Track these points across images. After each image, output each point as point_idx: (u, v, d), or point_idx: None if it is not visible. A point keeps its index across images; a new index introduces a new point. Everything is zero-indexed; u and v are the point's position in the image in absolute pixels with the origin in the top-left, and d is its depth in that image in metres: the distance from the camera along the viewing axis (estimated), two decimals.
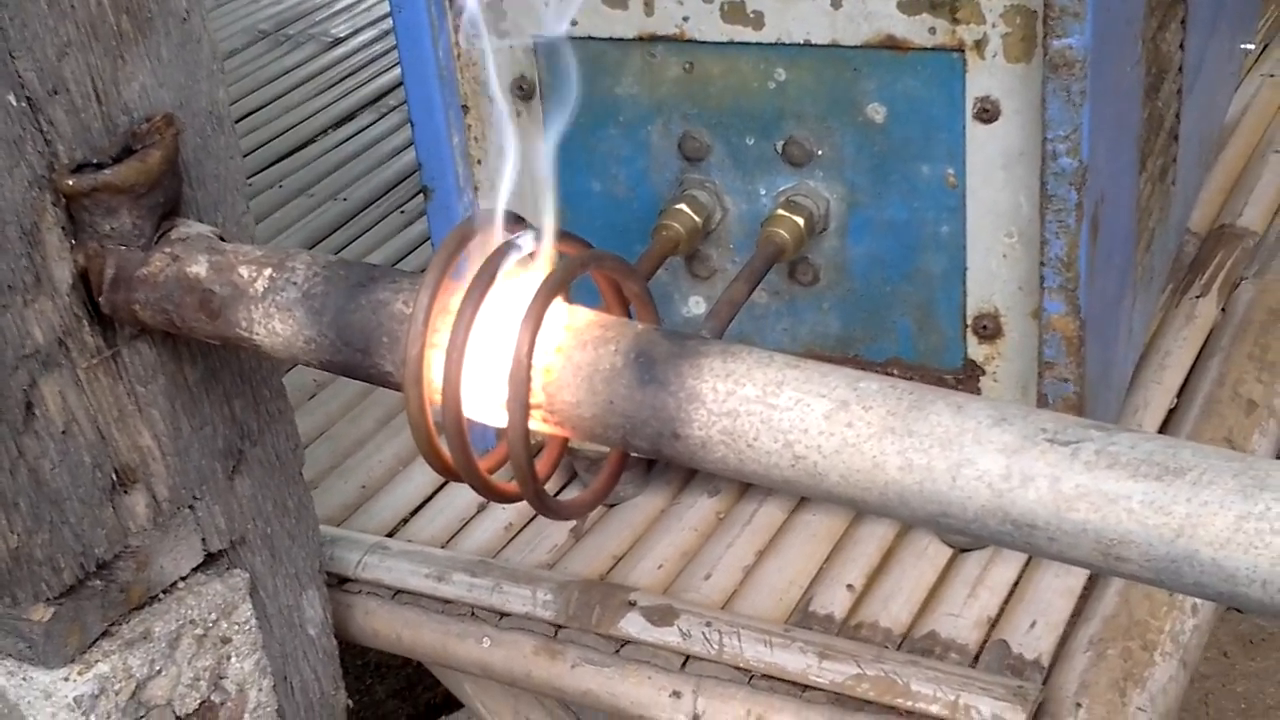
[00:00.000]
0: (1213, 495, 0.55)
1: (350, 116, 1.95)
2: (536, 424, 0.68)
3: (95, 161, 0.80)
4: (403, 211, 1.69)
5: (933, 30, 0.91)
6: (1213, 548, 0.55)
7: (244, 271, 0.77)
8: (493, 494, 0.70)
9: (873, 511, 0.63)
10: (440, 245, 0.69)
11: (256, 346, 0.77)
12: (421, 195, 1.10)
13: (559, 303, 0.67)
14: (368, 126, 1.91)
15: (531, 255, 0.68)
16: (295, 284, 0.75)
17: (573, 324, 0.68)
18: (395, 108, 1.94)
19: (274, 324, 0.75)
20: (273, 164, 1.84)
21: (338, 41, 2.17)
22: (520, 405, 0.65)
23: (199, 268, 0.78)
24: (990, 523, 0.59)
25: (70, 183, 0.78)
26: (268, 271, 0.77)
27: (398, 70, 2.00)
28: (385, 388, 0.75)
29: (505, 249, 0.68)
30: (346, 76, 2.06)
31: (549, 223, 0.68)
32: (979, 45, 0.91)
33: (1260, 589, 0.54)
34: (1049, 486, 0.57)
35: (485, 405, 0.68)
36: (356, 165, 1.82)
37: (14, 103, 0.76)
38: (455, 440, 0.67)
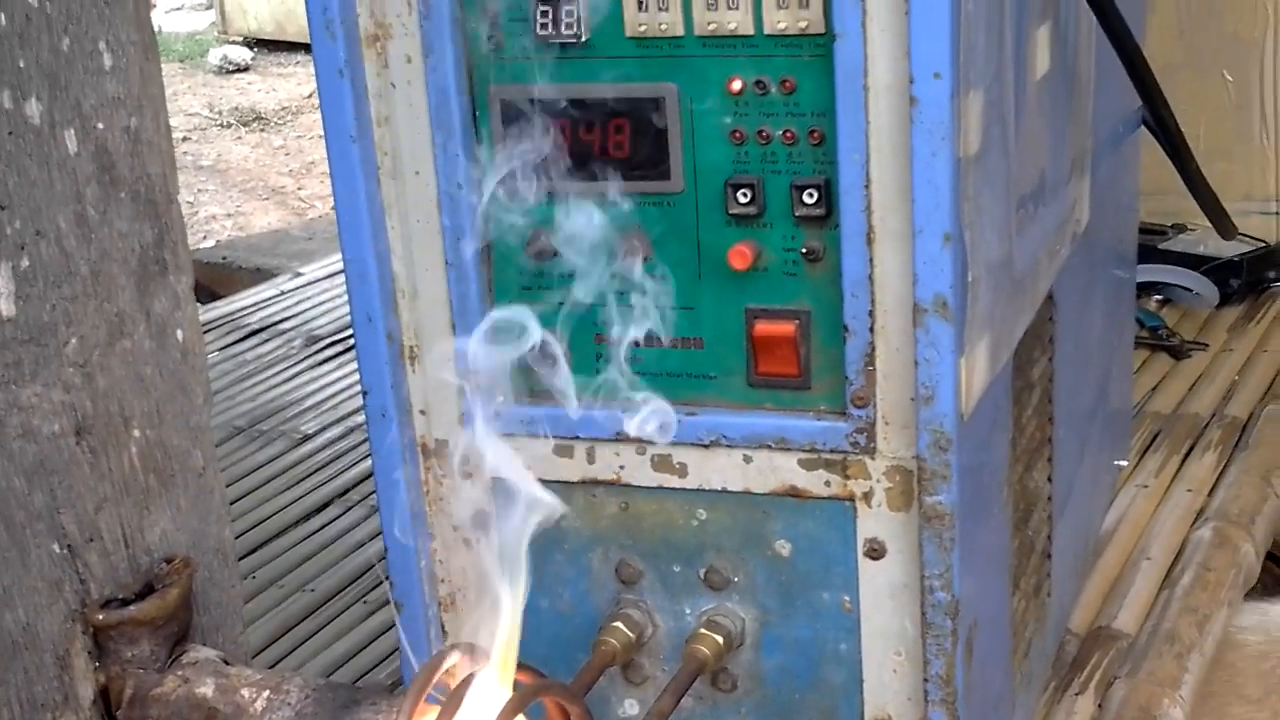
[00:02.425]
0: None
1: (318, 510, 2.05)
2: None
3: (121, 597, 0.93)
4: (365, 602, 1.78)
5: (828, 483, 1.07)
6: None
7: (245, 693, 0.91)
8: None
9: None
10: (415, 675, 0.83)
11: None
12: (384, 585, 1.23)
13: None
14: (335, 519, 2.00)
15: (490, 685, 0.83)
16: (289, 704, 0.89)
17: None
18: (359, 501, 2.04)
19: None
20: (246, 555, 1.91)
21: (306, 438, 2.28)
22: None
23: (206, 689, 0.92)
24: None
25: (100, 618, 0.91)
26: (266, 693, 0.91)
27: (362, 465, 2.16)
28: None
29: (468, 681, 0.83)
30: (315, 471, 2.16)
31: (508, 655, 0.84)
32: (866, 496, 1.06)
33: None
34: None
35: None
36: (324, 557, 1.90)
37: (57, 550, 0.90)
38: None
